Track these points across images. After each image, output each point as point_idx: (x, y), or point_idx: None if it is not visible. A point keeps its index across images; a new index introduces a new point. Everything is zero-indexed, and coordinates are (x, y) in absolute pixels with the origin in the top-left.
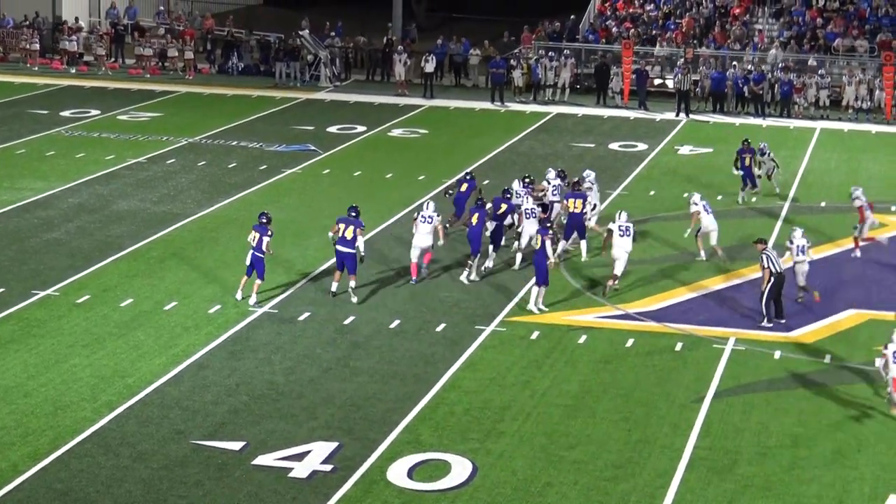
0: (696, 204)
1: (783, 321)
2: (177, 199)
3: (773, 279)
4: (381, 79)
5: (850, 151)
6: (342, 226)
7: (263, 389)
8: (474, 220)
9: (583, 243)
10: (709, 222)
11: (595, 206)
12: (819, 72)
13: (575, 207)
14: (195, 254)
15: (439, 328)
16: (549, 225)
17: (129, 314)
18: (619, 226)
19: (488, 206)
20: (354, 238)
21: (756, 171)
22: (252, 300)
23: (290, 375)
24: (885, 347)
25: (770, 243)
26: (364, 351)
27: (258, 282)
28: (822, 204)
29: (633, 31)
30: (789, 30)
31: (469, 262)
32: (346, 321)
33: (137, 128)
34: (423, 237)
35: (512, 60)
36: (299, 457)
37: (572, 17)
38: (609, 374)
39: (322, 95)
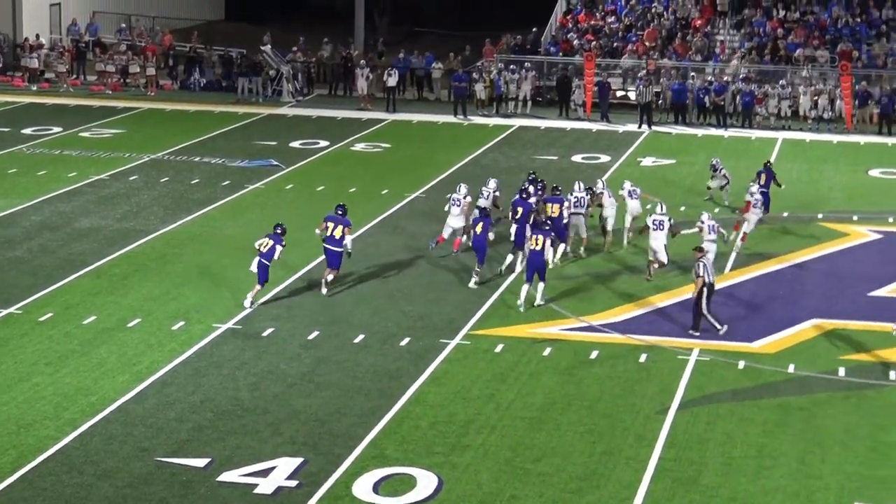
0: (622, 189)
1: (697, 334)
2: (139, 215)
3: (703, 288)
4: (343, 93)
5: (811, 162)
6: (331, 224)
7: (228, 406)
8: (478, 229)
9: (560, 247)
10: (633, 206)
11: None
12: (780, 82)
13: (552, 212)
14: (158, 270)
15: (404, 342)
16: (547, 227)
17: (92, 332)
18: (653, 220)
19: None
20: (343, 237)
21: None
22: (247, 302)
23: (255, 391)
24: None
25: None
26: (328, 366)
27: (258, 287)
28: (784, 214)
29: (594, 43)
30: (750, 41)
31: (476, 268)
32: (311, 336)
33: (99, 144)
34: (455, 219)
35: (474, 74)
36: (264, 473)
37: (534, 29)
38: (573, 387)
39: (284, 110)
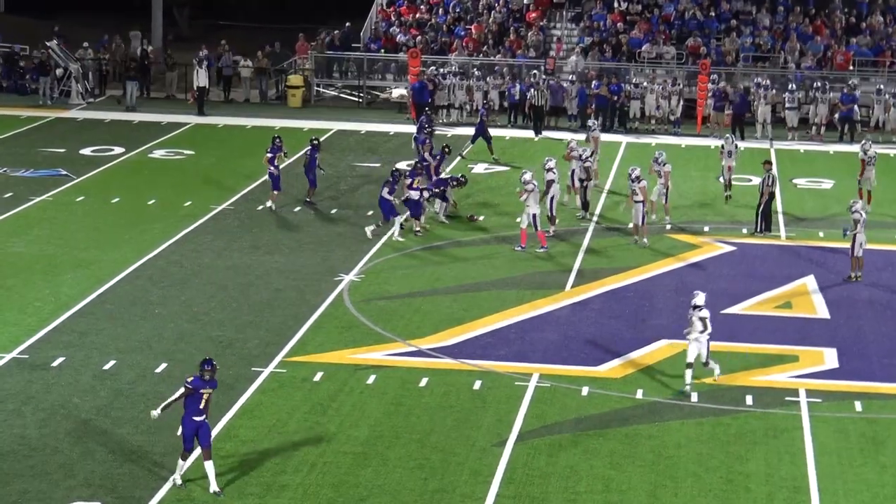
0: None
1: None
2: None
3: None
4: (140, 94)
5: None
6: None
7: (13, 445)
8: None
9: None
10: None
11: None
12: (632, 80)
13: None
14: None
15: None
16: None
17: None
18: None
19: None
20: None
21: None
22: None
23: (44, 429)
24: None
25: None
26: (127, 399)
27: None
28: (630, 225)
29: (419, 38)
30: (590, 36)
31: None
32: (107, 366)
33: None
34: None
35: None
36: None
37: (348, 24)
38: (402, 418)
39: (74, 114)
